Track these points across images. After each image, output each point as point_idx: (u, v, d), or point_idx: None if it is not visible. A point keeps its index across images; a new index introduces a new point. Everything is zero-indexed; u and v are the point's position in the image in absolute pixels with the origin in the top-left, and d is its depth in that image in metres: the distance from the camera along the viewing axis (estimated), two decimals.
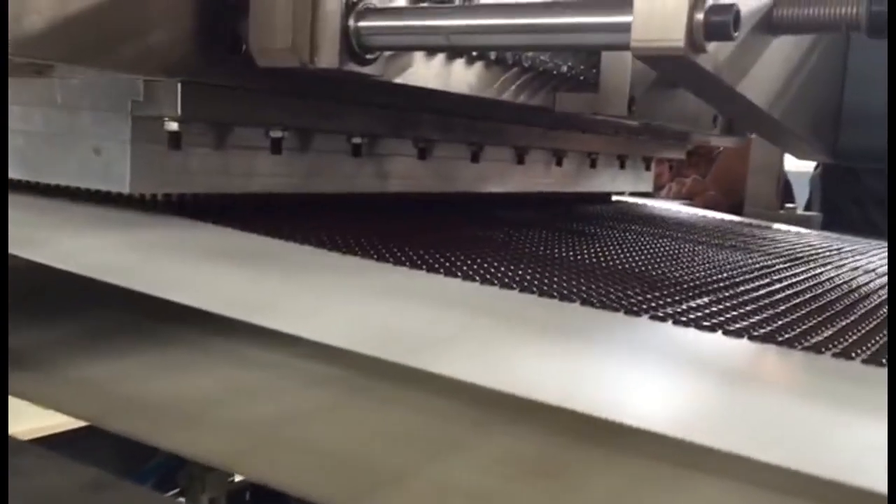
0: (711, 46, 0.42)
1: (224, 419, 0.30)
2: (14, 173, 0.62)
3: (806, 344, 0.37)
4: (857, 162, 0.84)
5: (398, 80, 0.58)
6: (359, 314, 0.37)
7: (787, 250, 0.76)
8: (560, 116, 0.80)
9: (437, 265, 0.48)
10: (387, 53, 0.54)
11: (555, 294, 0.43)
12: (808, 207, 1.49)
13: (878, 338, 0.40)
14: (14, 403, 0.31)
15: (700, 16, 0.40)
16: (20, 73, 0.59)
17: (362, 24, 0.51)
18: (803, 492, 0.24)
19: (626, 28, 0.42)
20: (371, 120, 0.70)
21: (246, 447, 0.28)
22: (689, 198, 1.48)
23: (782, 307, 0.46)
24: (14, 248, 0.39)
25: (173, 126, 0.56)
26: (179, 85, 0.54)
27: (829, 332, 0.40)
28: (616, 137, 1.05)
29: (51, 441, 0.50)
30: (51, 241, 0.46)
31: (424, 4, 0.56)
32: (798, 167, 1.53)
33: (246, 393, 0.33)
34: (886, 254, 0.68)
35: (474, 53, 0.63)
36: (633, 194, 1.23)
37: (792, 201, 1.43)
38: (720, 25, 0.40)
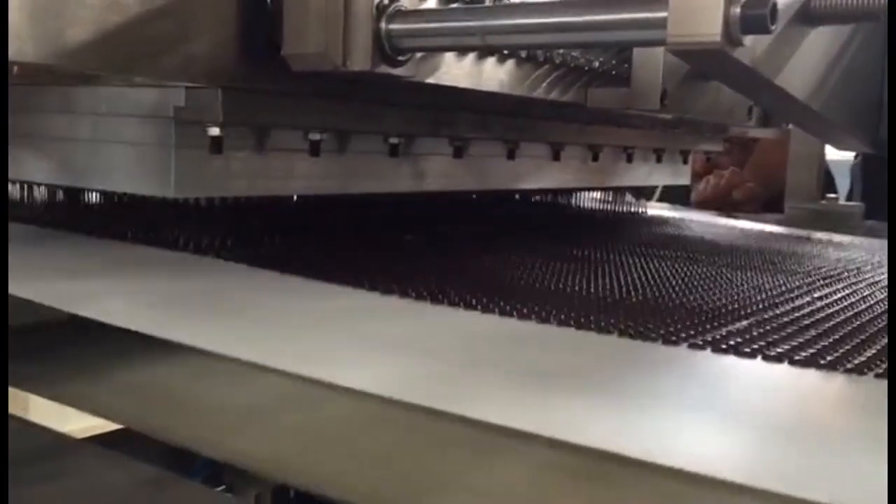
0: (748, 40, 0.42)
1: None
2: (61, 180, 0.63)
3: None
4: None
5: (430, 81, 0.59)
6: None
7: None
8: (595, 112, 0.80)
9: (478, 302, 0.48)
10: (418, 54, 0.55)
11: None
12: (849, 196, 1.47)
13: None
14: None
15: (736, 9, 0.40)
16: (66, 83, 0.61)
17: (393, 26, 0.52)
18: None
19: (661, 24, 0.42)
20: (407, 120, 0.71)
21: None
22: (728, 190, 1.47)
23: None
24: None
25: (215, 131, 0.57)
26: (220, 91, 0.55)
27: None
28: (652, 131, 1.04)
29: (103, 439, 0.51)
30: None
31: (455, 5, 0.56)
32: (839, 156, 1.51)
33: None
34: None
35: (505, 52, 0.63)
36: (670, 188, 1.22)
37: (834, 191, 1.41)
38: (757, 18, 0.40)
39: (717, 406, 0.33)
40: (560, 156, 0.91)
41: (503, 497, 0.25)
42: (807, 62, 0.57)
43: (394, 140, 0.71)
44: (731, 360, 0.39)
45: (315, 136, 0.64)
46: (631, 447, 0.27)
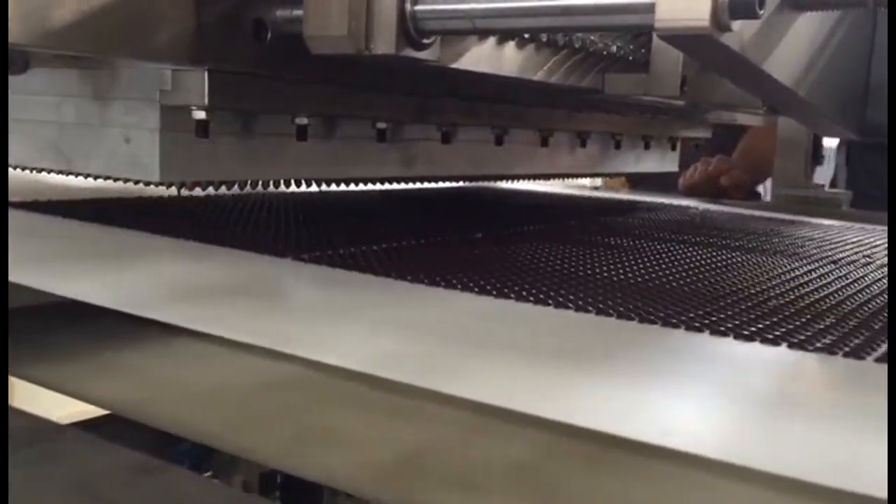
0: (737, 25, 0.42)
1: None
2: (47, 164, 0.63)
3: None
4: (885, 138, 0.83)
5: (454, 65, 0.58)
6: None
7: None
8: (583, 98, 0.80)
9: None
10: (440, 38, 0.54)
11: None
12: (833, 183, 1.47)
13: None
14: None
15: None
16: (52, 65, 0.60)
17: (419, 7, 0.51)
18: None
19: (650, 9, 0.42)
20: (395, 105, 0.71)
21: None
22: (716, 177, 1.47)
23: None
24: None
25: (201, 115, 0.56)
26: (206, 74, 0.55)
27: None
28: (640, 118, 1.04)
29: (88, 425, 0.51)
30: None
31: None
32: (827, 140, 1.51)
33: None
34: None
35: (526, 36, 0.63)
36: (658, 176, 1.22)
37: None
38: (745, 3, 0.40)
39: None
40: (548, 142, 0.91)
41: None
42: (794, 49, 0.57)
43: (381, 125, 0.71)
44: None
45: (302, 121, 0.64)
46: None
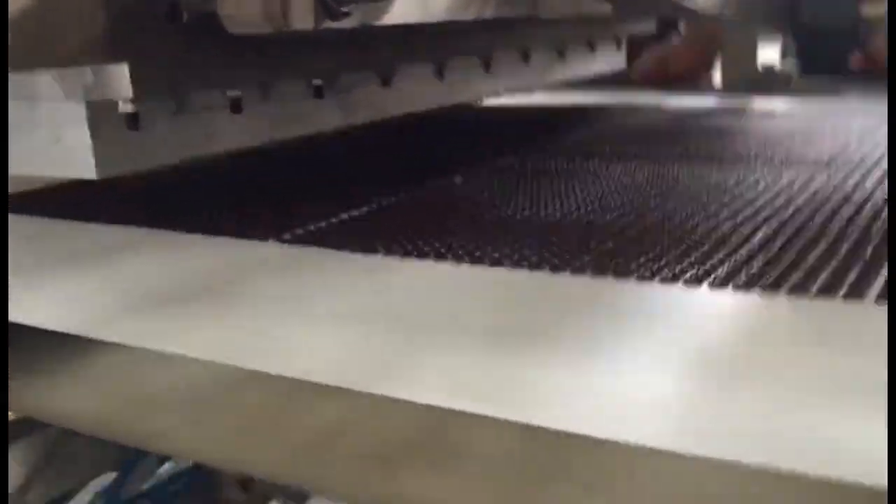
0: None
1: None
2: None
3: None
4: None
5: (381, 23, 0.57)
6: None
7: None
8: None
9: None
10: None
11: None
12: (784, 52, 1.46)
13: None
14: None
15: None
16: None
17: None
18: None
19: None
20: (331, 60, 0.70)
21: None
22: (666, 61, 1.46)
23: None
24: None
25: (128, 107, 0.56)
26: (127, 67, 0.54)
27: None
28: (581, 23, 1.03)
29: None
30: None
31: None
32: None
33: None
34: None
35: None
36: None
37: None
38: None
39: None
40: (490, 66, 0.90)
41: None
42: None
43: (317, 82, 0.70)
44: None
45: (234, 94, 0.63)
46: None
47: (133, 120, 0.56)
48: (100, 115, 0.56)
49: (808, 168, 0.67)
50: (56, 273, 0.51)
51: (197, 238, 0.57)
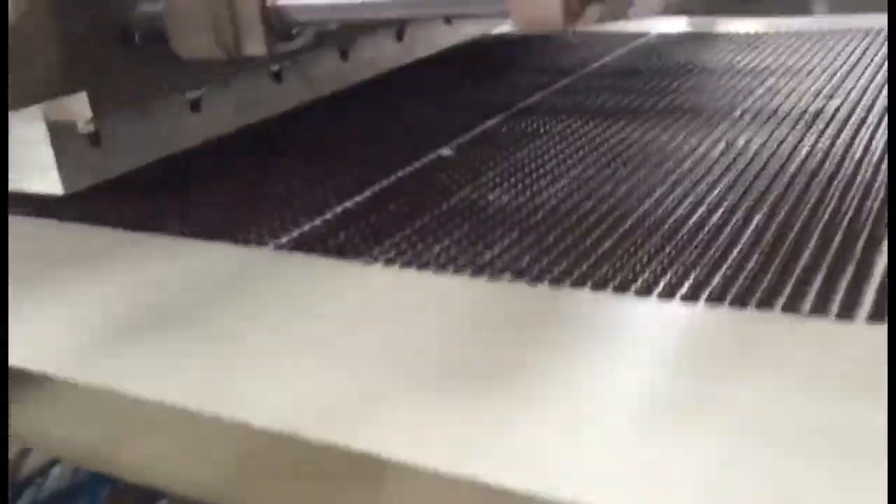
0: None
1: None
2: None
3: None
4: None
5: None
6: None
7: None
8: None
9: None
10: None
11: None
12: None
13: None
14: None
15: None
16: None
17: (283, 3, 0.52)
18: None
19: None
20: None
21: None
22: None
23: None
24: None
25: (89, 128, 0.57)
26: (85, 94, 0.55)
27: None
28: None
29: None
30: None
31: None
32: None
33: None
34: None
35: None
36: None
37: None
38: None
39: None
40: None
41: None
42: None
43: (275, 68, 0.71)
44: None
45: (193, 95, 0.64)
46: None
47: (96, 137, 0.58)
48: (62, 134, 0.58)
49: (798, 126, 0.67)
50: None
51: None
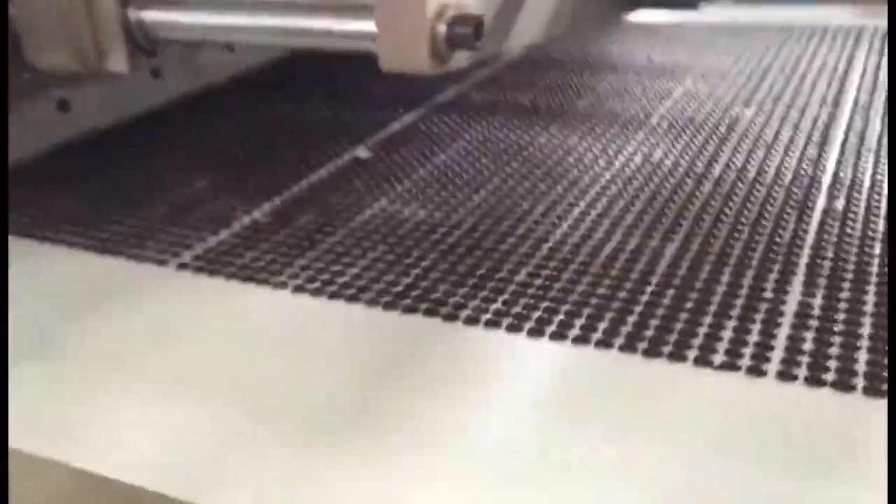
0: None
1: None
2: None
3: None
4: None
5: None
6: None
7: None
8: None
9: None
10: None
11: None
12: None
13: None
14: None
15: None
16: None
17: (147, 16, 0.47)
18: None
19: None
20: None
21: None
22: None
23: None
24: None
25: None
26: None
27: None
28: None
29: None
30: None
31: None
32: None
33: None
34: None
35: None
36: None
37: None
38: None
39: None
40: None
41: None
42: None
43: (153, 63, 0.66)
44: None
45: (59, 94, 0.59)
46: None
47: None
48: None
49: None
50: None
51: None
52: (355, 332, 0.43)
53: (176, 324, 0.43)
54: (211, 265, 0.48)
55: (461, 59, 0.39)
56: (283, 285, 0.46)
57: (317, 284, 0.46)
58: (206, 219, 0.53)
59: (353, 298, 0.45)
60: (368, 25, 0.40)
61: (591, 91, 0.79)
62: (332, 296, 0.45)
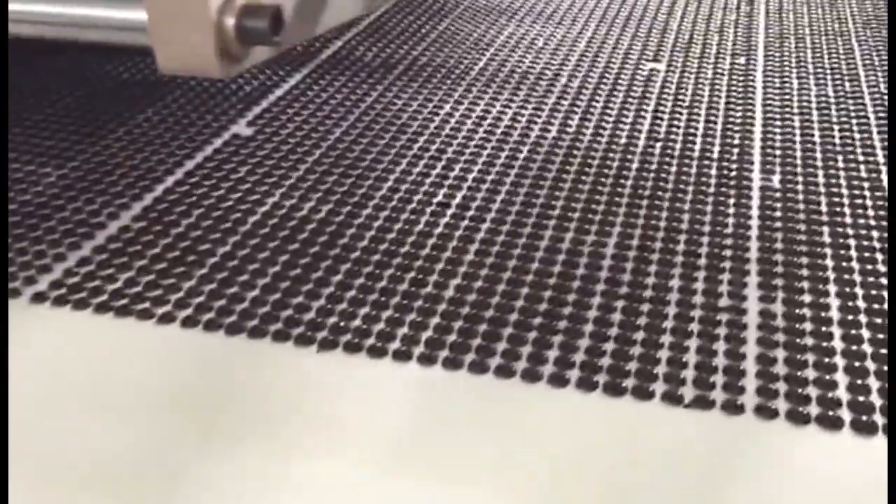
0: None
1: None
2: None
3: None
4: None
5: None
6: None
7: None
8: None
9: None
10: None
11: None
12: None
13: None
14: None
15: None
16: None
17: None
18: None
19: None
20: None
21: None
22: None
23: None
24: None
25: None
26: None
27: None
28: None
29: None
30: None
31: None
32: None
33: None
34: None
35: None
36: None
37: None
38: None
39: None
40: None
41: None
42: None
43: None
44: None
45: None
46: None
47: None
48: None
49: None
50: None
51: None
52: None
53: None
54: (74, 293, 0.42)
55: (259, 55, 0.32)
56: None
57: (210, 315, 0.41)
58: (62, 229, 0.47)
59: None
60: (139, 14, 0.33)
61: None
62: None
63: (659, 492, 0.32)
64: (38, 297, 0.42)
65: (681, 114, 0.61)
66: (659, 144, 0.57)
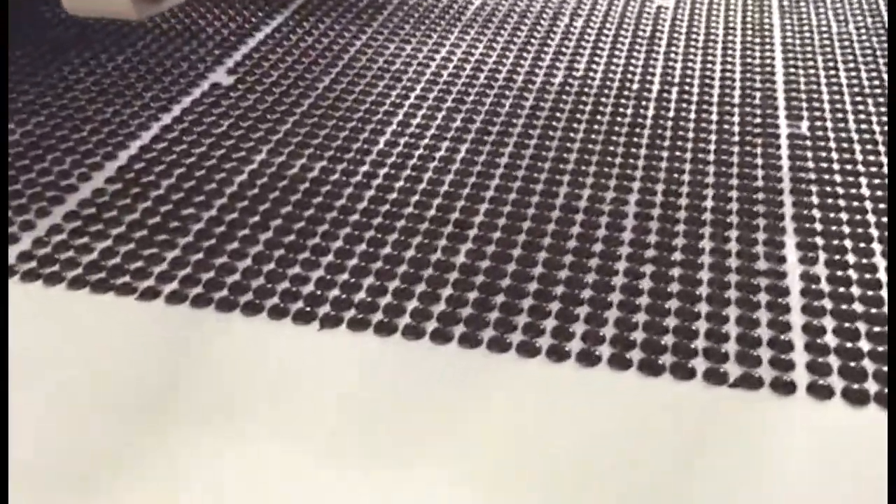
0: None
1: None
2: None
3: None
4: None
5: None
6: None
7: None
8: None
9: None
10: None
11: None
12: None
13: None
14: None
15: None
16: None
17: None
18: None
19: None
20: None
21: None
22: None
23: None
24: None
25: None
26: None
27: None
28: None
29: None
30: None
31: None
32: None
33: None
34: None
35: None
36: None
37: None
38: None
39: None
40: None
41: None
42: None
43: None
44: None
45: None
46: None
47: None
48: None
49: None
50: None
51: None
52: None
53: None
54: (45, 267, 0.38)
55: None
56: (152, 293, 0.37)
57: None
58: (28, 192, 0.43)
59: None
60: None
61: None
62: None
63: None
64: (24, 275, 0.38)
65: (695, 55, 0.57)
66: (675, 90, 0.53)
